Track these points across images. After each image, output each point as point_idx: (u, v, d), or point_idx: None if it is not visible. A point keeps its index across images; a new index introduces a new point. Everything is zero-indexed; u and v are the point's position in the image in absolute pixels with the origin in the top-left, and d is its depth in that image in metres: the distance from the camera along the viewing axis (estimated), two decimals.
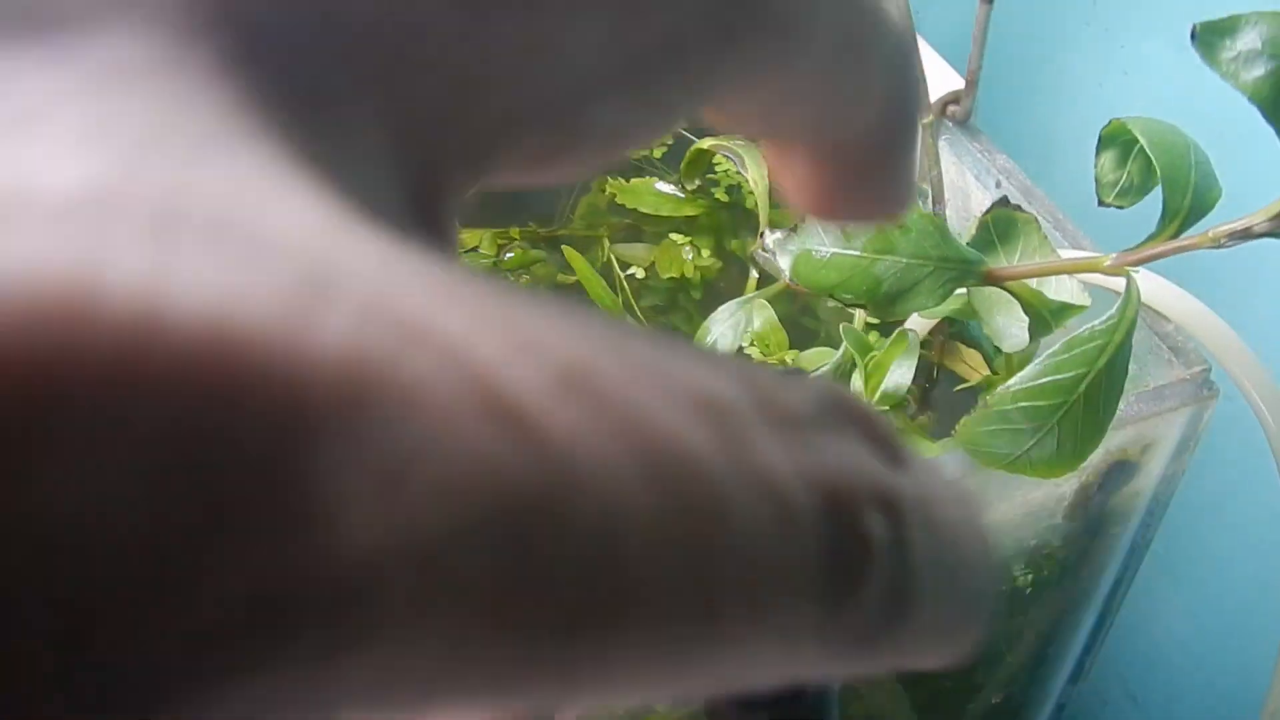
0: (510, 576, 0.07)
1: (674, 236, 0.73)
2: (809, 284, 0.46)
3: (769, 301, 0.62)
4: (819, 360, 0.58)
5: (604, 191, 0.76)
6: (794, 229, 0.47)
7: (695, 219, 0.74)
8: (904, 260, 0.43)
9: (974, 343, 0.63)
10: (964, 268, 0.44)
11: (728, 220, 0.74)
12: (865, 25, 0.13)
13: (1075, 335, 0.40)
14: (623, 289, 0.69)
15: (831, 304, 0.66)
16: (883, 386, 0.47)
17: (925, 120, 0.57)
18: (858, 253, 0.44)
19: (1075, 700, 0.69)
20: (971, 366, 0.62)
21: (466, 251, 0.71)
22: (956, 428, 0.41)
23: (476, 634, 0.07)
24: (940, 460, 0.43)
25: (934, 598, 0.10)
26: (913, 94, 0.15)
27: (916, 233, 0.43)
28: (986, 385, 0.59)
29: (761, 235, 0.49)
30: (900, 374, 0.47)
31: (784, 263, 0.48)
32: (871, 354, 0.48)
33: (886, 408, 0.47)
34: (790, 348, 0.61)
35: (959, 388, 0.62)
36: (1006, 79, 0.68)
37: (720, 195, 0.75)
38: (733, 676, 0.09)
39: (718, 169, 0.77)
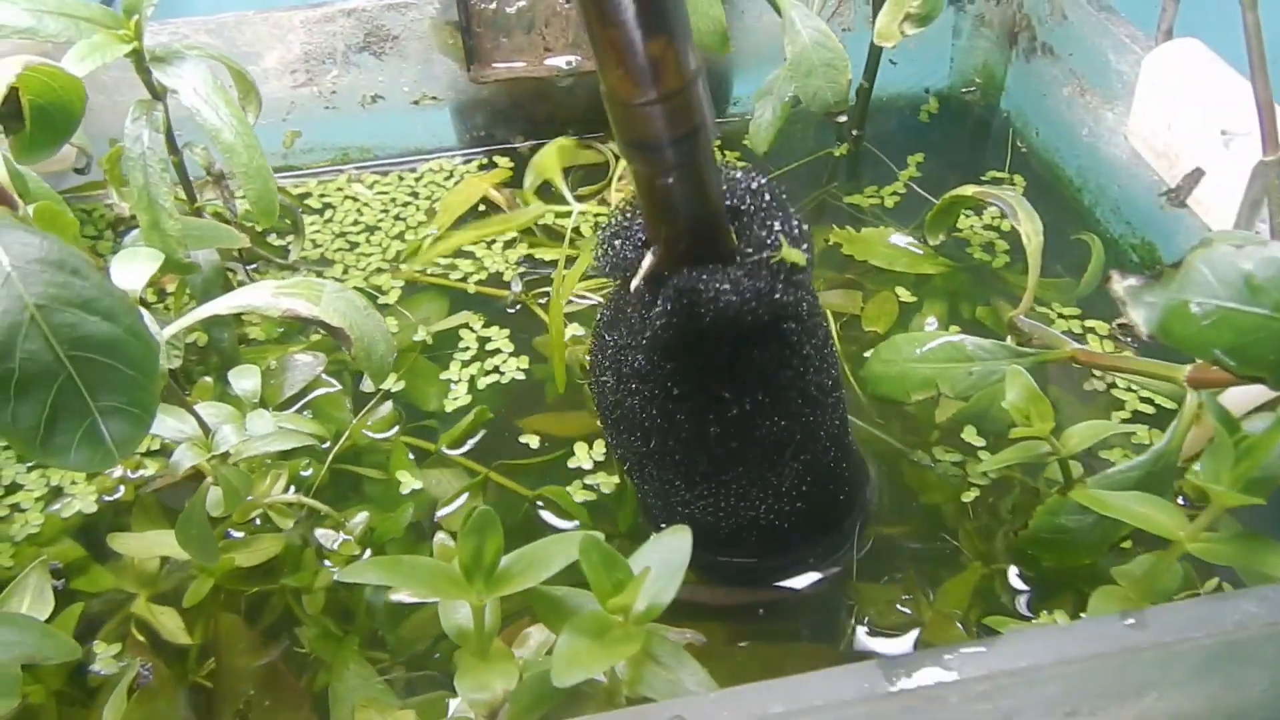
0: None
1: (898, 290, 0.62)
2: (1182, 344, 0.36)
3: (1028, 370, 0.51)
4: (1095, 435, 0.47)
5: (826, 240, 0.66)
6: (1158, 274, 0.37)
7: (929, 278, 0.64)
8: None
9: None
10: None
11: (968, 283, 0.63)
12: None
13: None
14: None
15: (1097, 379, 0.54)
16: (1257, 471, 0.36)
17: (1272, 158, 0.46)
18: (1265, 310, 0.33)
19: None
20: None
21: None
22: None
23: None
24: None
25: None
26: None
27: None
28: None
29: (1108, 279, 0.38)
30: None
31: (1139, 315, 0.37)
32: (1241, 435, 0.36)
33: (1259, 499, 0.36)
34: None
35: None
36: None
37: (974, 253, 0.65)
38: None
39: (963, 228, 0.67)
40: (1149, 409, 0.55)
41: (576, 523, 0.51)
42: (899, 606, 0.46)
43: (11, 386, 0.29)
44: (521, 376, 0.58)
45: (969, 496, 0.51)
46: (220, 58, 0.54)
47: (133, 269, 0.40)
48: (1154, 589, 0.41)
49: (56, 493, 0.53)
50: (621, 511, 0.51)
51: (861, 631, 0.46)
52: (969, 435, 0.54)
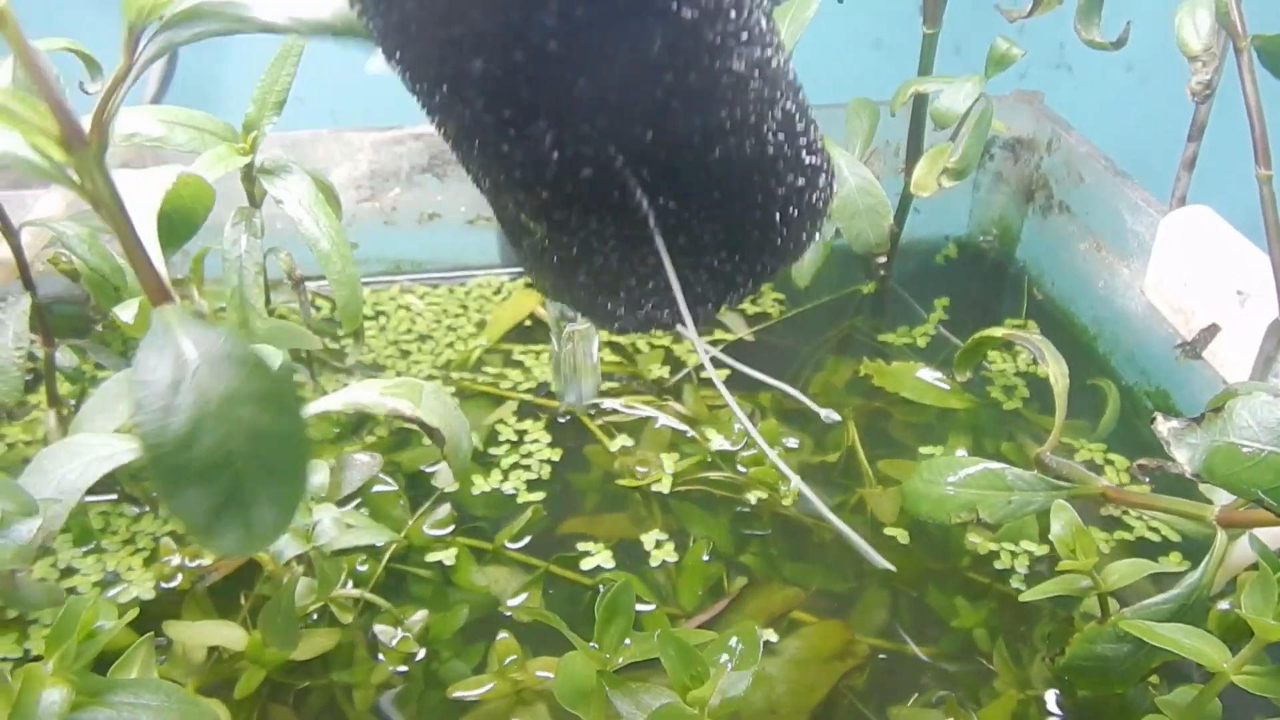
0: None
1: (926, 422, 0.66)
2: (1226, 484, 0.39)
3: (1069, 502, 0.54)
4: (1136, 572, 0.50)
5: (856, 371, 0.70)
6: (1199, 419, 0.41)
7: (955, 413, 0.68)
8: None
9: None
10: None
11: (991, 419, 0.67)
12: None
13: None
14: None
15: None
16: None
17: None
18: None
19: None
20: None
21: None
22: None
23: None
24: None
25: None
26: None
27: None
28: None
29: (1153, 420, 0.42)
30: None
31: (1183, 456, 0.41)
32: None
33: None
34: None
35: None
36: None
37: (994, 392, 0.68)
38: None
39: (991, 366, 0.71)
40: (1154, 537, 0.59)
41: (651, 606, 0.53)
42: None
43: (192, 473, 0.30)
44: (568, 482, 0.61)
45: (1001, 621, 0.53)
46: (312, 173, 0.58)
47: (269, 353, 0.43)
48: (1199, 719, 0.43)
49: (114, 578, 0.54)
50: (683, 589, 0.53)
51: None
52: (1003, 561, 0.57)
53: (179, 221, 0.46)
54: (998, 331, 0.63)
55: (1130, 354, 0.69)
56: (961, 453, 0.64)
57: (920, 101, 0.70)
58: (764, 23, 0.27)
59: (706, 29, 0.25)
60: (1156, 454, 0.55)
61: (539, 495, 0.60)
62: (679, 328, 0.30)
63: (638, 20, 0.25)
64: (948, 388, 0.69)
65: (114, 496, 0.58)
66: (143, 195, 0.42)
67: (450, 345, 0.71)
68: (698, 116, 0.26)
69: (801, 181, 0.29)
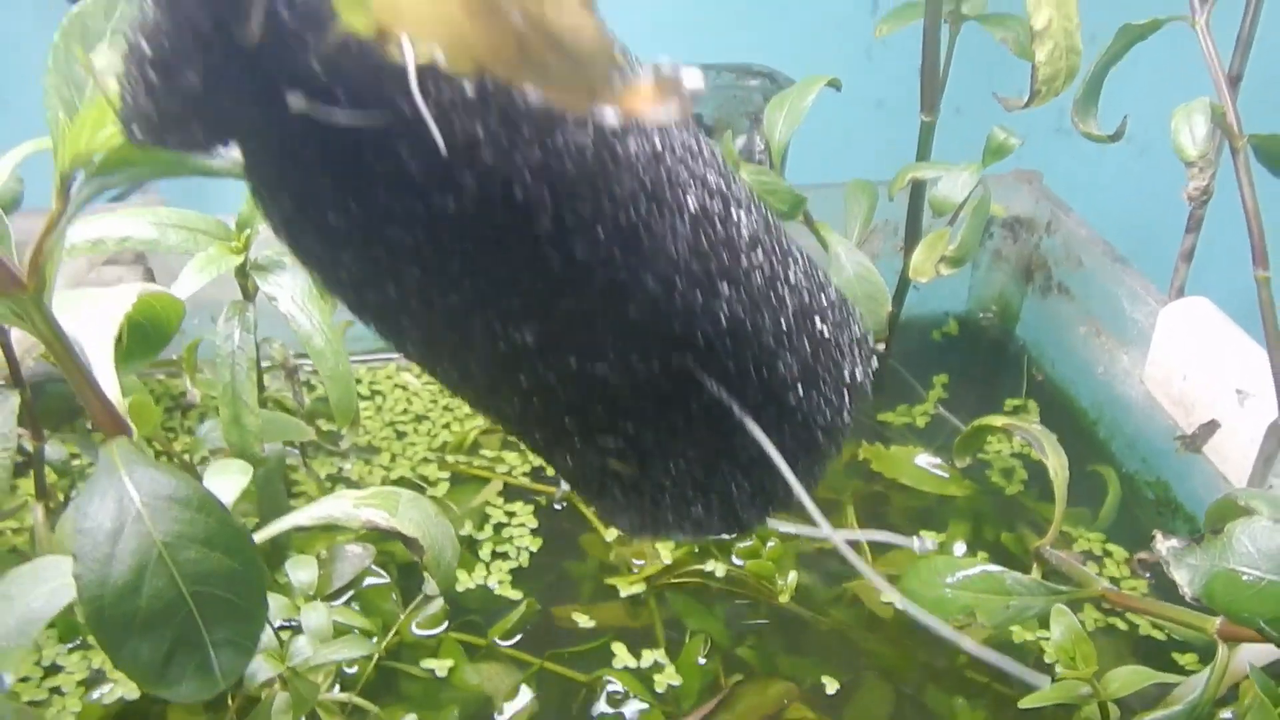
0: None
1: (925, 511, 0.65)
2: (1226, 611, 0.38)
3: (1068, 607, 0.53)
4: (1137, 681, 0.49)
5: (854, 454, 0.70)
6: (1199, 539, 0.40)
7: (954, 500, 0.67)
8: None
9: None
10: None
11: (990, 506, 0.66)
12: None
13: None
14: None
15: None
16: None
17: None
18: None
19: None
20: None
21: None
22: None
23: None
24: None
25: None
26: None
27: None
28: None
29: (1154, 540, 0.41)
30: None
31: (1183, 577, 0.40)
32: None
33: None
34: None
35: None
36: None
37: (994, 476, 0.68)
38: None
39: (989, 448, 0.70)
40: (1158, 635, 0.58)
41: (645, 705, 0.52)
42: None
43: (135, 624, 0.30)
44: (562, 570, 0.60)
45: None
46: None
47: (227, 483, 0.42)
48: None
49: (99, 677, 0.54)
50: (680, 686, 0.52)
51: None
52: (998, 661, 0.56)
53: (151, 331, 0.46)
54: (997, 420, 0.63)
55: (1130, 441, 0.68)
56: (960, 546, 0.63)
57: (919, 183, 0.70)
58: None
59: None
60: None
61: (532, 586, 0.59)
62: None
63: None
64: (946, 475, 0.68)
65: None
66: (97, 321, 0.41)
67: (446, 426, 0.71)
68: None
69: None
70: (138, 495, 0.31)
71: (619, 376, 0.24)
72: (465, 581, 0.59)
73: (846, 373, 0.28)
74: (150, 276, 0.71)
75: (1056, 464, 0.59)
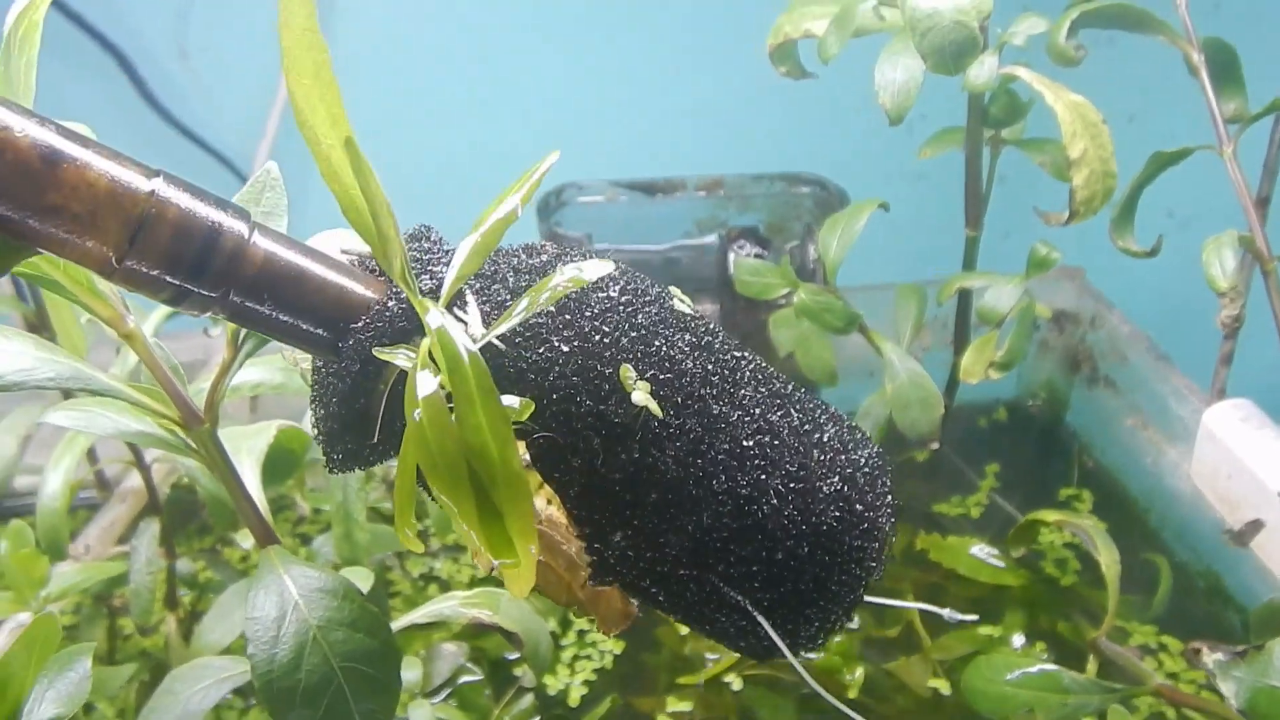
0: None
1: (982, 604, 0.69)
2: None
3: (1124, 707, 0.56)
4: None
5: (911, 544, 0.73)
6: (1242, 652, 0.43)
7: (1009, 590, 0.70)
8: None
9: None
10: None
11: (1045, 596, 0.70)
12: None
13: None
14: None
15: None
16: None
17: None
18: None
19: None
20: None
21: None
22: None
23: None
24: None
25: None
26: None
27: None
28: None
29: (1198, 651, 0.44)
30: None
31: (1229, 690, 0.43)
32: None
33: None
34: None
35: None
36: None
37: (1048, 567, 0.71)
38: None
39: (1042, 540, 0.73)
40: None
41: None
42: None
43: (298, 696, 0.36)
44: (640, 662, 0.64)
45: None
46: None
47: (358, 576, 0.48)
48: None
49: None
50: None
51: None
52: None
53: (282, 462, 0.52)
54: (1050, 515, 0.66)
55: (1180, 531, 0.71)
56: (1019, 637, 0.66)
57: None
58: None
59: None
60: (1209, 635, 0.58)
61: (614, 680, 0.63)
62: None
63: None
64: (1002, 565, 0.71)
65: None
66: (248, 452, 0.48)
67: None
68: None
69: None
70: (294, 588, 0.38)
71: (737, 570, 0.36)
72: (551, 682, 0.63)
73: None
74: None
75: (1108, 559, 0.62)
